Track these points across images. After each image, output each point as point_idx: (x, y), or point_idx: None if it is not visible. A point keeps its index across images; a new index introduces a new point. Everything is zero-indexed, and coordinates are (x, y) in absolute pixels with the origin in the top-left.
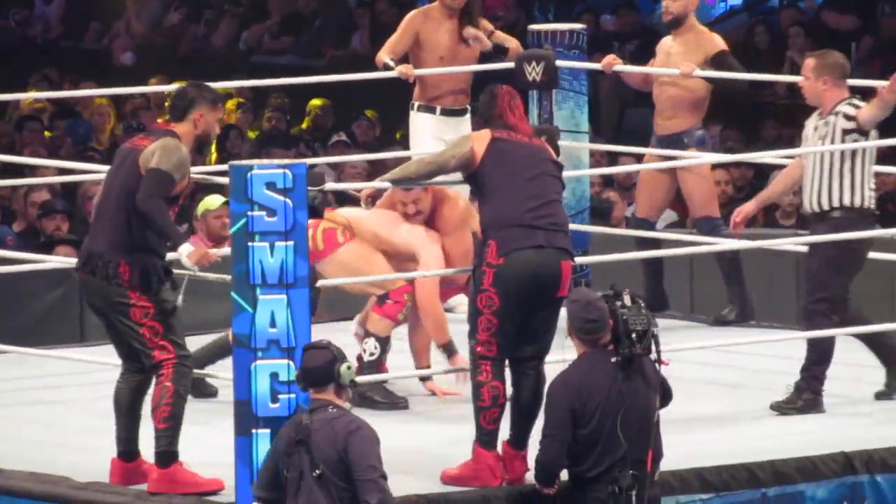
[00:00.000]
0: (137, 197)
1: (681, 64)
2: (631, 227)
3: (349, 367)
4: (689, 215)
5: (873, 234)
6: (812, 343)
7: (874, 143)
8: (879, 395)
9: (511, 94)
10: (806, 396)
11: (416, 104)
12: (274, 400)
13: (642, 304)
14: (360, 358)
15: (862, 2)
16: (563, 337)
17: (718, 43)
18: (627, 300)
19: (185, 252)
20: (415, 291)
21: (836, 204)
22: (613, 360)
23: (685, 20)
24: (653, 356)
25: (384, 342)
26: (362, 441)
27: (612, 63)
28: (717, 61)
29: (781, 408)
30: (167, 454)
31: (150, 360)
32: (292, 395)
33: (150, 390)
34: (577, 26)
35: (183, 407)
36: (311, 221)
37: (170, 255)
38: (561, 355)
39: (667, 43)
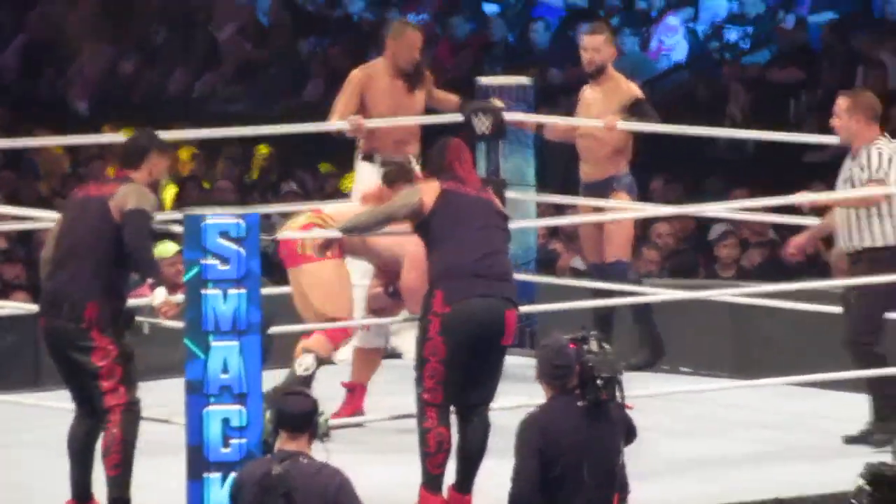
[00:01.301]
0: (126, 234)
1: (602, 113)
2: (589, 274)
3: (326, 420)
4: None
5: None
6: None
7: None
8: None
9: (460, 147)
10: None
11: (361, 154)
12: (226, 445)
13: (609, 350)
14: (292, 373)
15: (803, 58)
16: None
17: (635, 91)
18: (594, 346)
19: (159, 296)
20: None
21: (867, 244)
22: (580, 404)
23: (606, 69)
24: (619, 401)
25: (319, 363)
26: (351, 495)
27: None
28: (632, 109)
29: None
30: (120, 501)
31: (101, 403)
32: (244, 440)
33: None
34: (525, 80)
35: (132, 453)
36: (301, 223)
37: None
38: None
39: (586, 92)
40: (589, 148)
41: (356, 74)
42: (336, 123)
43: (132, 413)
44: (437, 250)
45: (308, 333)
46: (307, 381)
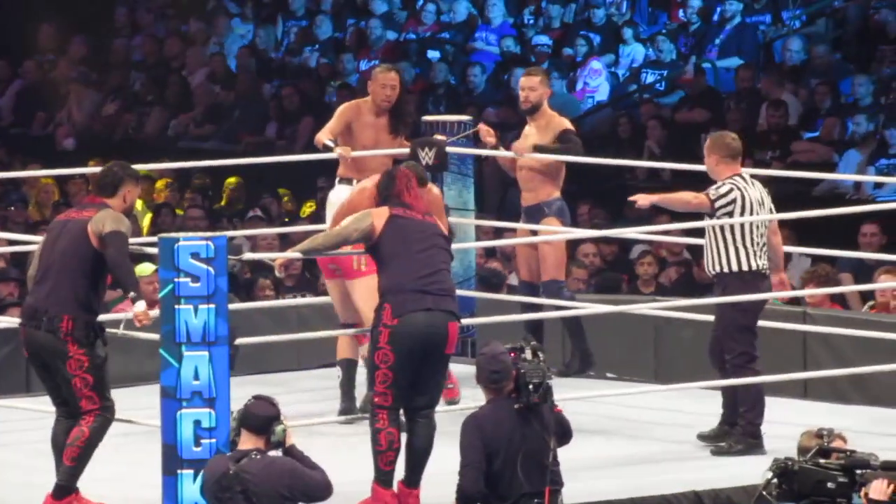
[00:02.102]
0: (109, 254)
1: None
2: (519, 290)
3: (284, 430)
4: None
5: (755, 297)
6: (742, 393)
7: (725, 220)
8: (703, 437)
9: (408, 177)
10: (749, 441)
11: (339, 178)
12: (197, 444)
13: (542, 358)
14: None
15: (710, 99)
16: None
17: (564, 123)
18: (528, 354)
19: (139, 307)
20: None
21: (724, 269)
22: (516, 406)
23: (541, 107)
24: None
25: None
26: (300, 477)
27: (490, 135)
28: (561, 138)
29: (722, 448)
30: (64, 488)
31: (77, 407)
32: (213, 440)
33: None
34: (465, 117)
35: (92, 452)
36: None
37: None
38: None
39: (525, 128)
40: (522, 177)
41: (347, 105)
42: (327, 141)
43: (104, 417)
44: (386, 268)
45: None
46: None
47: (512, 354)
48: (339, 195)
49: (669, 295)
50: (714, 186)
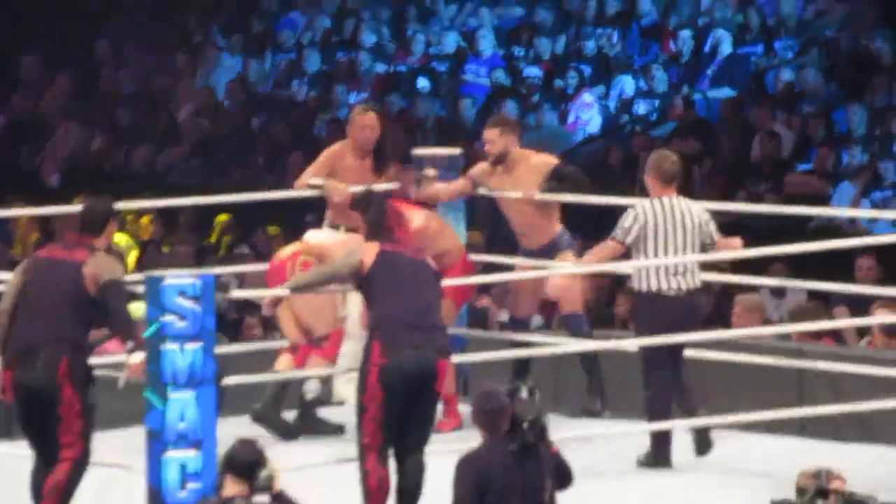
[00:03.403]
0: (109, 303)
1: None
2: (510, 327)
3: (270, 476)
4: (553, 316)
5: None
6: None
7: None
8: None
9: (399, 213)
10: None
11: (327, 223)
12: (183, 488)
13: (537, 398)
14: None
15: (702, 130)
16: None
17: (550, 160)
18: (524, 394)
19: (136, 358)
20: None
21: (634, 287)
22: (511, 447)
23: (507, 156)
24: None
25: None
26: None
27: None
28: (554, 175)
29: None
30: None
31: (57, 452)
32: (199, 485)
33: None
34: (455, 151)
35: (67, 501)
36: (289, 252)
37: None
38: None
39: (500, 171)
40: (518, 222)
41: (329, 150)
42: (311, 180)
43: (81, 466)
44: (375, 305)
45: (293, 350)
46: (313, 404)
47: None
48: (316, 235)
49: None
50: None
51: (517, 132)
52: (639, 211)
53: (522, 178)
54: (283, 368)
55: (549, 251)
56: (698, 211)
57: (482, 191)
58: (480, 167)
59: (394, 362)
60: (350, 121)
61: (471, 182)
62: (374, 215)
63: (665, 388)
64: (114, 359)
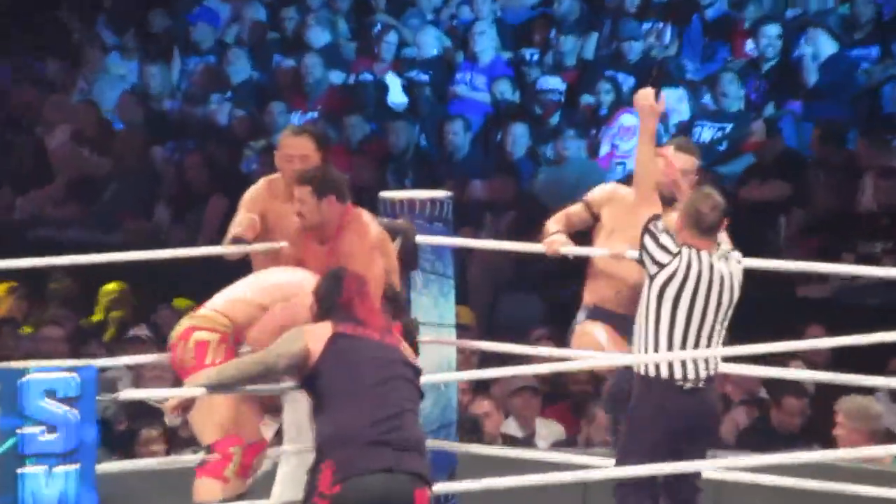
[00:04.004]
0: None
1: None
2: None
3: None
4: (579, 432)
5: None
6: None
7: None
8: None
9: (360, 279)
10: None
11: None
12: None
13: None
14: None
15: (791, 167)
16: None
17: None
18: None
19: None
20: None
21: (639, 370)
22: None
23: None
24: None
25: None
26: None
27: (556, 244)
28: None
29: None
30: None
31: None
32: None
33: None
34: (441, 194)
35: None
36: (182, 329)
37: None
38: None
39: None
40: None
41: (254, 190)
42: (235, 232)
43: None
44: (326, 411)
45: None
46: None
47: None
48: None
49: (734, 448)
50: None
51: None
52: (689, 254)
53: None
54: (206, 499)
55: (624, 324)
56: (737, 270)
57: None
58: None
59: (351, 492)
60: (277, 147)
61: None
62: (325, 283)
63: None
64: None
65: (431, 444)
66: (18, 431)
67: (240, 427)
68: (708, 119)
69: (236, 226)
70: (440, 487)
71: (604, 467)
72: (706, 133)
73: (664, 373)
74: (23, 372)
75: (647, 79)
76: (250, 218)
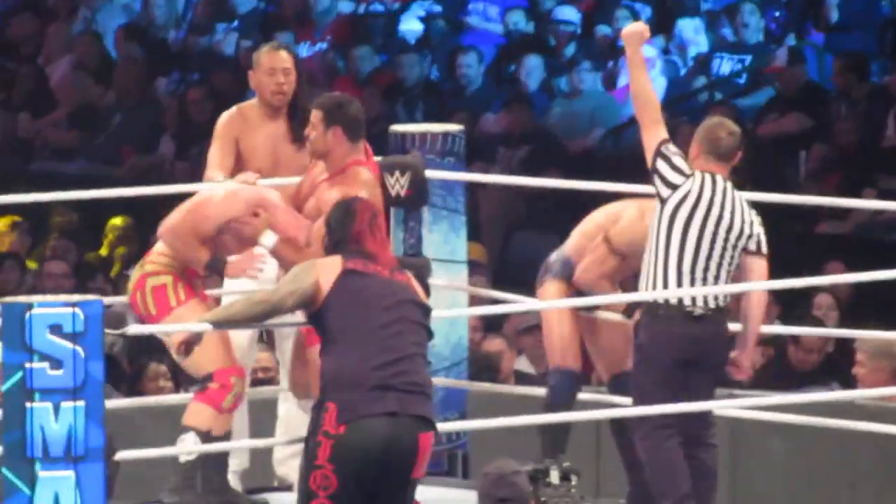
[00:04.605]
0: None
1: None
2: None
3: None
4: (592, 370)
5: None
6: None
7: None
8: None
9: (372, 212)
10: None
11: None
12: None
13: (573, 484)
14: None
15: (813, 100)
16: None
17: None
18: (555, 478)
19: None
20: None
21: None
22: None
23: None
24: None
25: (207, 438)
26: None
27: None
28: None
29: None
30: None
31: None
32: None
33: None
34: (453, 127)
35: None
36: (138, 275)
37: None
38: None
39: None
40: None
41: (226, 117)
42: (219, 182)
43: None
44: (333, 349)
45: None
46: (191, 472)
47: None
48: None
49: (752, 388)
50: (671, 154)
51: None
52: (697, 178)
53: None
54: (196, 424)
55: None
56: (746, 206)
57: None
58: None
59: (355, 434)
60: (255, 64)
61: None
62: (336, 213)
63: (672, 464)
64: None
65: (442, 382)
66: (25, 366)
67: (235, 359)
68: (727, 51)
69: (214, 167)
70: (451, 426)
71: (618, 405)
72: (725, 65)
73: (673, 300)
74: (28, 306)
75: (663, 8)
76: (224, 157)
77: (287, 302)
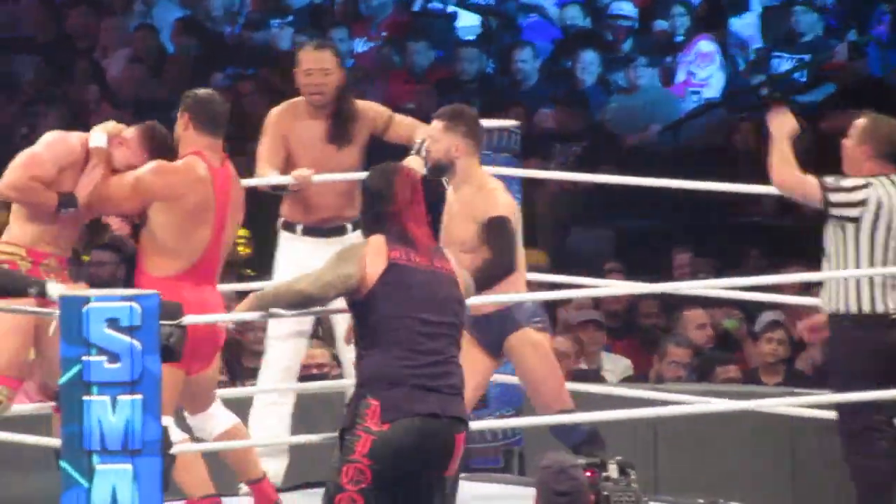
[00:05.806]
0: None
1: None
2: None
3: None
4: (650, 367)
5: None
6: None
7: None
8: None
9: (414, 182)
10: None
11: (281, 219)
12: None
13: (633, 478)
14: None
15: (875, 95)
16: None
17: (492, 207)
18: (614, 471)
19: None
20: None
21: (839, 308)
22: None
23: (452, 169)
24: None
25: None
26: None
27: None
28: (483, 230)
29: None
30: None
31: None
32: None
33: None
34: (508, 123)
35: None
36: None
37: None
38: None
39: (450, 196)
40: None
41: (276, 113)
42: (273, 178)
43: None
44: (373, 344)
45: None
46: None
47: (589, 473)
48: (282, 249)
49: (808, 387)
50: (835, 181)
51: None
52: (873, 183)
53: (464, 211)
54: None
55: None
56: None
57: None
58: None
59: (398, 434)
60: (297, 62)
61: None
62: (376, 180)
63: (879, 465)
64: None
65: (499, 378)
66: (82, 359)
67: (15, 369)
68: (785, 47)
69: (264, 163)
70: (507, 422)
71: (677, 403)
72: (785, 62)
73: (865, 307)
74: (85, 300)
75: (718, 4)
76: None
77: (329, 294)
